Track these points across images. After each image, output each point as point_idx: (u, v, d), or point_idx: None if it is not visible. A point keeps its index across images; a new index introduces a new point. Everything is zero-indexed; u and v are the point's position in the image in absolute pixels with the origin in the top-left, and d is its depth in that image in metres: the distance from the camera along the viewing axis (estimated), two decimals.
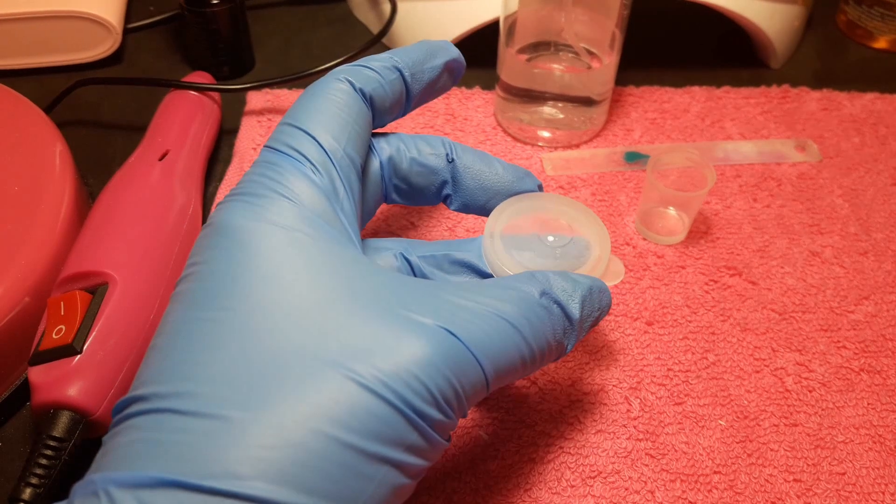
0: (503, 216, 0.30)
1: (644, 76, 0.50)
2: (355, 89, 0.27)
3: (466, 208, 0.31)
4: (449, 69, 0.31)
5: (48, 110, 0.43)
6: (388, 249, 0.29)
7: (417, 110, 0.47)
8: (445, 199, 0.31)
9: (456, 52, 0.31)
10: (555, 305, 0.25)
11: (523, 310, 0.24)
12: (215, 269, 0.23)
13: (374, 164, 0.30)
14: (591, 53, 0.44)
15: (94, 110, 0.48)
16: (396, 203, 0.31)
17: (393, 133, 0.31)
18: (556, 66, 0.44)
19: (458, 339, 0.23)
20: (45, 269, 0.33)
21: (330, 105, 0.27)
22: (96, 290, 0.31)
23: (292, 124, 0.26)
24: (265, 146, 0.26)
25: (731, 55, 0.53)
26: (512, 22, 0.43)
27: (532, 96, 0.44)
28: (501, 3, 0.42)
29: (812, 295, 0.38)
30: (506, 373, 0.24)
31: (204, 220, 0.40)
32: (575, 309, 0.26)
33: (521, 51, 0.44)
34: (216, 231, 0.24)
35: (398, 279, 0.24)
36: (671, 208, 0.40)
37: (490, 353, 0.23)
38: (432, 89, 0.31)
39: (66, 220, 0.35)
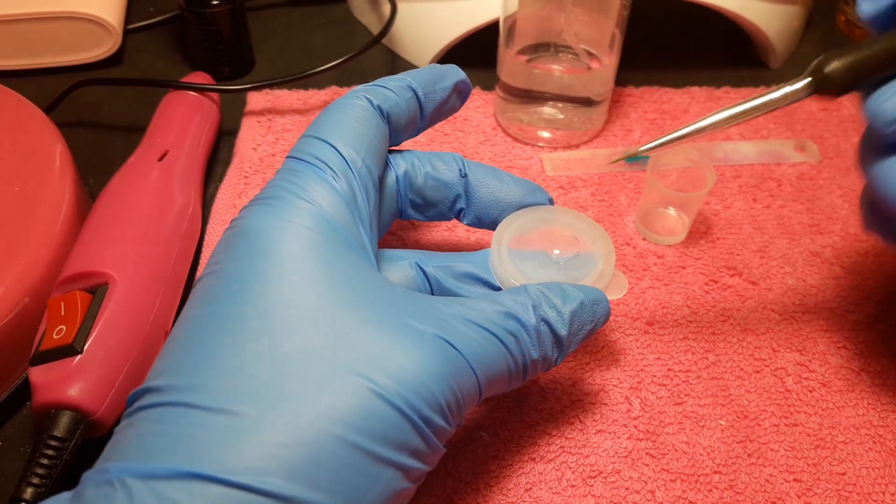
0: (511, 228, 0.31)
1: (644, 77, 0.50)
2: (373, 106, 0.29)
3: (479, 222, 0.32)
4: (458, 90, 0.32)
5: (48, 111, 0.44)
6: (404, 259, 0.30)
7: None
8: (459, 214, 0.32)
9: (463, 75, 0.32)
10: (542, 323, 0.26)
11: (510, 326, 0.25)
12: (234, 266, 0.24)
13: (391, 178, 0.31)
14: (590, 54, 0.44)
15: (94, 111, 0.48)
16: (412, 218, 0.32)
17: (408, 150, 0.32)
18: (555, 66, 0.44)
19: (456, 349, 0.24)
20: (45, 269, 0.33)
21: (349, 119, 0.28)
22: (96, 291, 0.31)
23: (314, 136, 0.27)
24: (288, 156, 0.27)
25: (731, 55, 0.54)
26: (512, 23, 0.43)
27: (532, 97, 0.44)
28: (501, 3, 0.42)
29: (812, 295, 0.38)
30: (495, 383, 0.25)
31: (204, 221, 0.40)
32: (562, 326, 0.26)
33: (521, 51, 0.44)
34: (237, 232, 0.25)
35: (400, 291, 0.25)
36: (671, 208, 0.40)
37: (482, 365, 0.24)
38: (443, 109, 0.32)
39: (66, 221, 0.35)
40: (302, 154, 0.27)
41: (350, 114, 0.28)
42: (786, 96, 0.26)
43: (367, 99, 0.28)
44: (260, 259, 0.24)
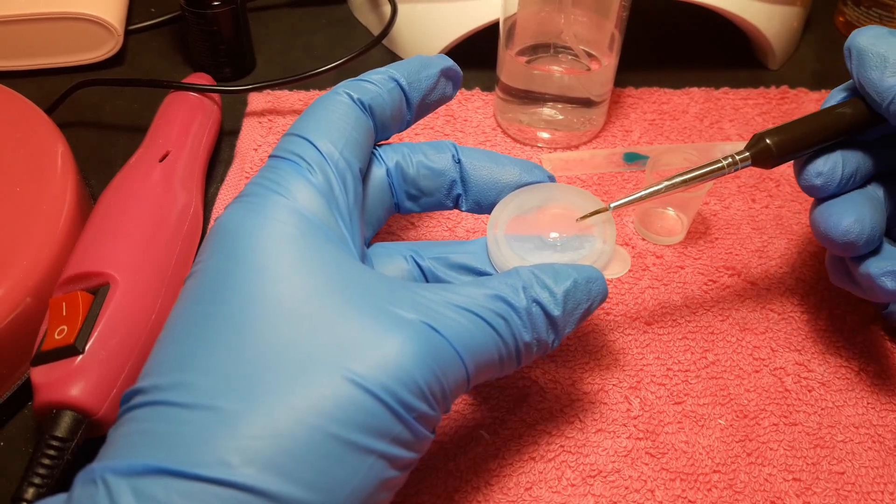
0: (507, 209, 0.30)
1: (643, 77, 0.51)
2: (354, 101, 0.29)
3: (479, 207, 0.32)
4: (446, 76, 0.32)
5: (50, 111, 0.44)
6: (399, 253, 0.30)
7: None
8: (457, 200, 0.32)
9: (451, 62, 0.32)
10: (534, 305, 0.26)
11: (500, 309, 0.25)
12: (212, 265, 0.24)
13: (381, 171, 0.31)
14: (590, 55, 0.44)
15: (96, 111, 0.49)
16: (411, 211, 0.32)
17: (400, 143, 0.32)
18: (555, 67, 0.44)
19: (440, 334, 0.24)
20: (47, 269, 0.33)
21: (329, 115, 0.28)
22: (98, 291, 0.31)
23: (293, 133, 0.28)
24: (270, 156, 0.28)
25: (730, 56, 0.54)
26: (511, 24, 0.43)
27: (531, 98, 0.44)
28: (501, 4, 0.42)
29: (811, 295, 0.38)
30: (485, 369, 0.25)
31: (205, 221, 0.40)
32: (555, 307, 0.26)
33: (521, 52, 0.44)
34: (216, 231, 0.25)
35: (382, 278, 0.25)
36: (670, 209, 0.41)
37: (470, 349, 0.24)
38: (432, 97, 0.32)
39: (68, 221, 0.35)
40: (281, 151, 0.27)
41: (330, 109, 0.28)
42: (731, 165, 0.30)
43: (348, 94, 0.29)
44: (236, 256, 0.24)
